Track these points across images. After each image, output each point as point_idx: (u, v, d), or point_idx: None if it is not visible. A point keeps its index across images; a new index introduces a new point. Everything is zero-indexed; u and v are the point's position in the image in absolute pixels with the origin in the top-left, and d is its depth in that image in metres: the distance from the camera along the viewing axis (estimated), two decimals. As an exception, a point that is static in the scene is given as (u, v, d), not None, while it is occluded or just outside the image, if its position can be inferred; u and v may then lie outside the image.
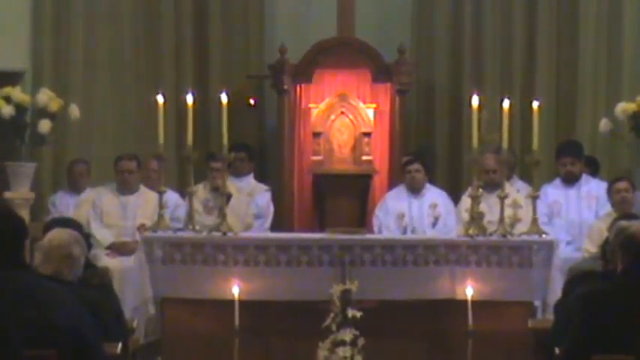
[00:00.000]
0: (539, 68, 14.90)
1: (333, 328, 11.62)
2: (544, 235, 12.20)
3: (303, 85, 14.29)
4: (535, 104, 12.60)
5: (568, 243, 12.72)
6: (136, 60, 14.99)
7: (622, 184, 12.96)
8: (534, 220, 12.27)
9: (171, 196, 12.97)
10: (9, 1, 14.70)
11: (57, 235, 7.92)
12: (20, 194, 13.46)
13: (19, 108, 13.61)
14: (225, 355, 11.57)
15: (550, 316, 9.92)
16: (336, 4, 14.28)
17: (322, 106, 14.19)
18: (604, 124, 13.64)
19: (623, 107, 13.52)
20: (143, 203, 13.22)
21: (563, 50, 14.96)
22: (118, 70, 14.96)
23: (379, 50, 14.30)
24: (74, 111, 13.79)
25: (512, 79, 14.74)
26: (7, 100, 13.56)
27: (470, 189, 12.63)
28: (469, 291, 11.69)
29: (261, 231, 13.36)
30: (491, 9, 15.02)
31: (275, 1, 15.31)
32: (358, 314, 11.60)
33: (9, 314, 6.45)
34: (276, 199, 14.12)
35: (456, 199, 13.47)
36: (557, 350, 8.01)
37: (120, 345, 8.30)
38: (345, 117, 14.18)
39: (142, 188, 13.43)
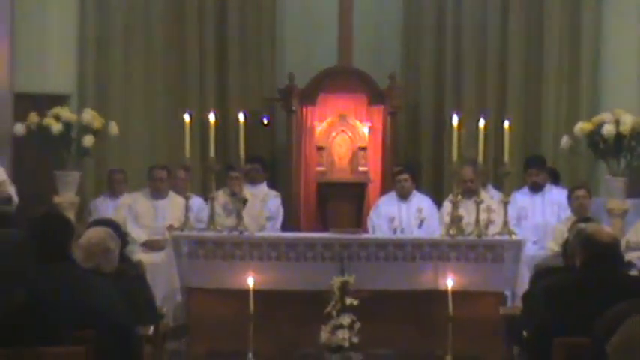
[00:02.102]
0: (510, 92, 14.88)
1: (334, 313, 11.63)
2: (513, 236, 12.23)
3: (308, 107, 14.28)
4: (506, 124, 12.62)
5: (534, 242, 12.71)
6: (166, 84, 14.98)
7: (580, 192, 12.95)
8: (505, 223, 12.30)
9: (196, 201, 12.97)
10: (57, 35, 14.69)
11: (94, 233, 7.94)
12: (67, 199, 13.45)
13: (67, 125, 13.60)
14: (241, 337, 11.59)
15: (519, 304, 9.90)
16: (336, 36, 14.28)
17: (325, 124, 14.19)
18: (564, 141, 13.61)
19: (581, 127, 13.50)
20: (172, 207, 13.20)
21: (530, 77, 14.95)
22: (151, 93, 14.95)
23: (373, 77, 14.30)
24: (113, 128, 13.79)
25: (487, 102, 14.72)
26: (57, 118, 13.56)
27: (450, 196, 12.70)
28: (449, 282, 11.71)
29: (273, 231, 13.35)
30: (468, 41, 14.99)
31: (284, 34, 15.31)
32: (355, 302, 11.62)
33: (57, 300, 6.46)
34: (286, 204, 14.12)
35: (438, 204, 13.46)
36: (525, 333, 8.01)
37: (152, 327, 8.31)
38: (345, 134, 14.19)
39: (171, 194, 13.42)
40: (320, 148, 14.13)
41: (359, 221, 13.42)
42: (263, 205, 13.74)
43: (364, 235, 12.69)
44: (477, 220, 12.24)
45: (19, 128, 13.71)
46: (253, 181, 13.71)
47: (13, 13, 14.23)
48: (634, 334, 5.60)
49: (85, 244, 7.61)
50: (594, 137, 13.50)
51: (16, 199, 12.25)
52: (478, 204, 12.35)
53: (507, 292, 11.81)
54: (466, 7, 15.01)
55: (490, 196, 13.00)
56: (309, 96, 14.28)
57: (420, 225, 13.29)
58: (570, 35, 14.87)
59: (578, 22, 14.82)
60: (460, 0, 15.03)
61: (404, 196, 13.50)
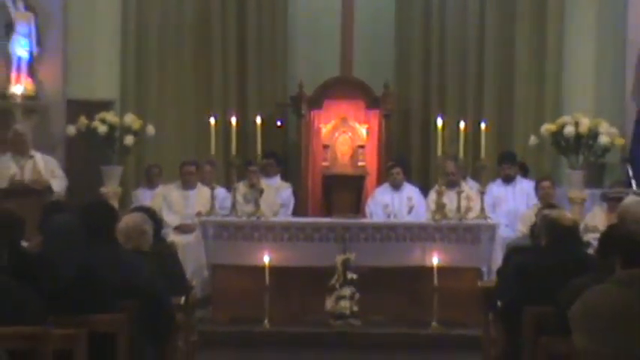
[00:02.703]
0: (486, 98, 14.82)
1: (337, 286, 11.65)
2: (489, 220, 12.29)
3: (315, 111, 14.25)
4: (482, 125, 12.66)
5: (506, 226, 12.68)
6: (194, 92, 14.94)
7: (546, 183, 12.95)
8: (482, 209, 12.34)
9: (220, 191, 12.96)
10: (103, 49, 14.67)
11: (131, 218, 7.96)
12: (111, 189, 13.45)
13: (111, 127, 13.59)
14: (258, 306, 11.59)
15: (493, 278, 9.90)
16: (339, 50, 14.26)
17: (329, 126, 14.14)
18: (532, 139, 13.59)
19: (546, 127, 13.48)
20: (200, 196, 13.19)
21: (504, 84, 14.89)
22: (181, 99, 14.92)
23: (370, 85, 14.27)
24: (150, 129, 13.77)
25: (466, 106, 14.67)
26: (103, 121, 13.55)
27: (436, 186, 12.70)
28: (435, 260, 11.71)
29: (285, 216, 13.33)
30: (450, 53, 14.94)
31: (295, 48, 15.23)
32: (355, 276, 11.64)
33: (104, 275, 6.49)
34: (296, 193, 14.09)
35: (425, 193, 13.43)
36: (499, 303, 8.02)
37: (183, 298, 8.33)
38: (346, 134, 14.13)
39: (199, 185, 13.41)
40: (325, 146, 14.10)
41: (358, 208, 13.39)
42: (277, 194, 13.73)
43: (362, 220, 12.73)
44: (458, 207, 12.28)
45: (71, 130, 13.71)
46: (268, 174, 13.70)
47: (66, 30, 14.25)
48: (590, 303, 5.62)
49: (123, 228, 7.62)
50: (557, 137, 13.49)
51: (57, 189, 12.26)
52: (459, 193, 12.40)
53: (484, 268, 11.80)
54: (449, 23, 14.95)
55: (469, 187, 12.99)
56: (316, 102, 14.27)
57: (410, 211, 13.27)
58: (538, 48, 14.82)
59: (544, 37, 14.76)
60: (444, 18, 14.96)
61: (396, 187, 13.50)
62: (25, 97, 13.77)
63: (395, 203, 13.37)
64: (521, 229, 11.97)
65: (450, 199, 12.42)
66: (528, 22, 14.84)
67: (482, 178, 12.65)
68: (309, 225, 12.35)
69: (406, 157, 14.67)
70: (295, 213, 13.69)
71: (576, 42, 14.76)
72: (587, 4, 14.74)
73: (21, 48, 13.75)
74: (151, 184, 13.85)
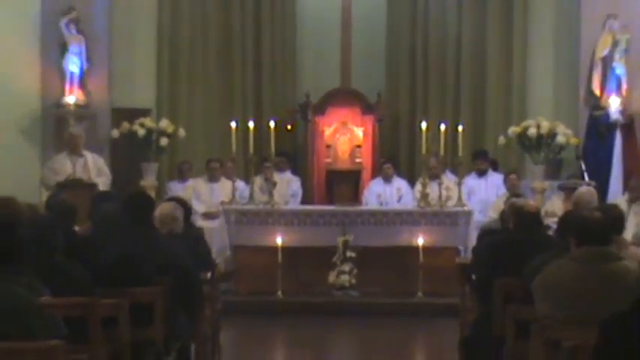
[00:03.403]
0: (462, 104, 14.78)
1: (338, 263, 11.67)
2: (465, 207, 12.33)
3: (319, 116, 14.23)
4: (459, 127, 12.68)
5: (479, 212, 12.65)
6: (219, 100, 14.90)
7: (513, 176, 12.97)
8: (459, 198, 12.38)
9: (240, 184, 12.97)
10: (141, 65, 14.66)
11: (164, 206, 7.96)
12: (149, 182, 13.46)
13: (149, 131, 13.61)
14: (272, 280, 11.63)
15: (469, 256, 9.90)
16: (339, 65, 14.25)
17: (331, 129, 14.16)
18: (501, 139, 13.59)
19: (512, 129, 13.49)
20: (223, 188, 13.20)
21: (477, 92, 14.85)
22: (207, 107, 14.89)
23: (365, 94, 14.25)
24: (181, 132, 13.78)
25: (446, 112, 14.63)
26: (142, 125, 13.57)
27: (420, 179, 12.72)
28: (420, 240, 11.74)
29: (295, 204, 13.32)
30: (433, 67, 14.88)
31: (302, 63, 15.16)
32: (353, 254, 11.67)
33: (143, 254, 6.49)
34: (304, 185, 14.06)
35: (412, 184, 13.41)
36: (473, 276, 8.01)
37: (209, 273, 8.32)
38: (345, 135, 14.16)
39: (223, 179, 13.42)
40: (328, 146, 14.12)
41: (356, 197, 13.38)
42: (288, 186, 13.72)
43: (359, 207, 12.71)
44: (439, 196, 12.32)
45: (115, 133, 13.73)
46: (281, 169, 13.68)
47: (110, 49, 14.25)
48: (550, 276, 5.62)
49: (159, 215, 7.61)
50: (522, 137, 13.49)
51: (102, 187, 12.26)
52: (440, 185, 12.43)
53: (461, 247, 11.80)
54: (431, 41, 14.87)
55: (448, 179, 12.96)
56: (320, 108, 14.25)
57: (399, 200, 13.28)
58: (506, 62, 14.76)
59: (511, 53, 14.71)
60: (427, 37, 14.87)
61: (387, 179, 13.50)
62: (77, 105, 13.77)
63: (386, 193, 13.38)
64: (492, 214, 11.95)
65: (432, 189, 12.43)
66: (498, 40, 14.80)
67: (459, 171, 12.65)
68: (314, 212, 12.40)
69: (396, 154, 14.65)
70: (303, 202, 13.68)
71: (538, 57, 14.72)
72: (547, 25, 14.68)
73: (73, 64, 13.78)
74: (182, 178, 13.84)
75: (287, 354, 10.17)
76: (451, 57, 14.92)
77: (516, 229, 7.27)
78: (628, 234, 9.25)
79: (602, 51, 13.64)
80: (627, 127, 13.50)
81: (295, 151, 14.68)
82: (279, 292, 11.61)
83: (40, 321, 4.45)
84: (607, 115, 13.46)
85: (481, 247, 8.25)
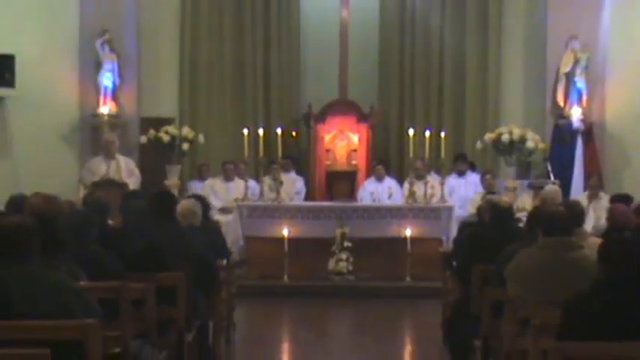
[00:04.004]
0: (445, 113, 14.79)
1: (336, 251, 11.68)
2: (447, 203, 12.30)
3: (320, 124, 14.23)
4: (442, 134, 12.68)
5: (459, 207, 12.66)
6: (232, 111, 14.92)
7: (488, 176, 12.95)
8: (442, 195, 12.38)
9: (252, 183, 12.94)
10: (165, 79, 14.70)
11: (185, 203, 7.98)
12: (173, 182, 13.46)
13: (172, 137, 13.61)
14: (279, 266, 11.61)
15: (450, 245, 9.91)
16: (337, 78, 14.25)
17: (330, 135, 14.16)
18: (478, 144, 13.58)
19: (488, 136, 13.49)
20: (237, 186, 13.19)
21: (458, 103, 14.87)
22: (223, 116, 14.90)
23: (360, 105, 14.26)
24: (200, 138, 13.79)
25: (430, 120, 14.63)
26: (166, 132, 13.58)
27: (408, 178, 12.73)
28: (408, 232, 11.73)
29: (299, 201, 13.32)
30: (419, 81, 14.89)
31: (305, 76, 15.16)
32: (349, 244, 11.67)
33: (166, 245, 6.49)
34: (307, 184, 14.08)
35: (401, 183, 13.40)
36: (454, 263, 8.03)
37: (225, 261, 8.34)
38: (343, 141, 14.16)
39: (237, 179, 13.41)
40: (327, 150, 14.12)
41: (352, 195, 13.40)
42: (293, 185, 13.73)
43: (355, 204, 12.72)
44: (425, 194, 12.30)
45: (143, 139, 13.73)
46: (287, 170, 13.69)
47: (139, 67, 14.27)
48: (520, 262, 5.62)
49: (180, 210, 7.63)
50: (496, 142, 13.49)
51: (132, 186, 12.26)
52: (425, 184, 12.45)
53: (443, 238, 11.78)
54: (417, 60, 14.87)
55: (433, 179, 12.95)
56: (321, 117, 14.25)
57: (390, 197, 13.26)
58: (482, 78, 14.77)
59: (487, 70, 14.70)
60: (413, 56, 14.90)
61: (379, 179, 13.48)
62: (110, 115, 13.79)
63: (378, 191, 13.37)
64: (471, 209, 11.97)
65: (418, 188, 12.44)
66: (475, 58, 14.81)
67: (442, 172, 12.67)
68: (316, 207, 12.37)
69: (386, 157, 14.65)
70: (306, 198, 13.68)
71: (510, 73, 14.75)
72: (518, 45, 14.72)
73: (107, 80, 13.80)
74: (201, 178, 13.86)
75: (292, 330, 10.18)
76: (435, 73, 14.93)
77: (491, 222, 7.29)
78: (588, 226, 9.29)
79: (565, 67, 13.67)
80: (587, 133, 13.54)
81: (299, 155, 14.69)
82: (285, 277, 11.61)
83: (78, 302, 4.46)
84: (570, 124, 13.49)
85: (461, 237, 8.26)
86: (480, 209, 8.33)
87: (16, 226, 4.41)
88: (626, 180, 13.36)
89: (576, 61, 13.61)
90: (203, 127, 14.48)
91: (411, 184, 12.45)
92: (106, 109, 13.78)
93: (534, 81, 14.38)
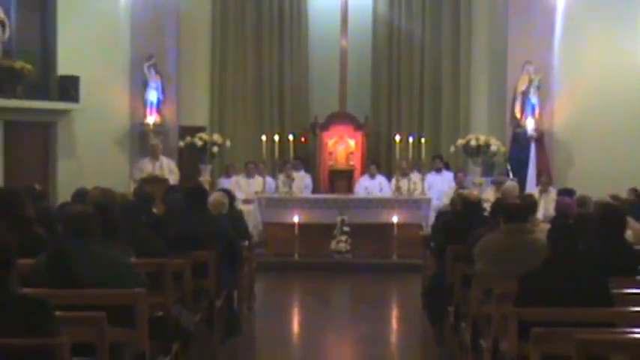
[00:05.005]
0: (425, 123, 14.74)
1: (337, 234, 11.65)
2: (426, 196, 12.25)
3: (325, 132, 14.21)
4: (423, 139, 12.63)
5: (437, 200, 12.64)
6: (253, 121, 14.88)
7: (460, 174, 12.92)
8: (422, 189, 12.31)
9: (269, 179, 12.91)
10: (199, 92, 14.69)
11: (215, 195, 7.99)
12: (205, 178, 13.43)
13: (204, 142, 13.61)
14: (291, 246, 11.60)
15: (429, 229, 9.90)
16: (337, 93, 14.23)
17: (333, 141, 14.15)
18: (452, 148, 13.58)
19: (459, 141, 13.49)
20: (257, 182, 13.18)
21: (435, 115, 14.81)
22: (246, 124, 14.85)
23: (356, 116, 14.25)
24: (227, 143, 13.80)
25: (413, 127, 14.55)
26: (200, 138, 13.58)
27: (395, 176, 12.68)
28: (395, 219, 11.70)
29: (307, 194, 13.29)
30: (403, 96, 14.82)
31: (312, 92, 15.09)
32: (348, 229, 11.64)
33: (200, 229, 6.49)
34: (313, 181, 14.04)
35: (389, 180, 13.34)
36: (432, 244, 8.02)
37: (247, 242, 8.35)
38: (342, 145, 14.16)
39: (256, 176, 13.37)
40: (330, 153, 14.09)
41: (350, 189, 13.38)
42: (302, 181, 13.68)
43: (352, 196, 12.70)
44: (408, 188, 12.28)
45: (181, 143, 13.73)
46: (297, 169, 13.64)
47: (178, 85, 14.27)
48: (486, 244, 5.62)
49: (211, 201, 7.63)
50: (466, 147, 13.47)
51: (172, 182, 12.26)
52: (409, 180, 12.41)
53: (423, 224, 11.74)
54: (403, 77, 14.77)
55: (415, 176, 12.92)
56: (325, 126, 14.23)
57: (380, 190, 13.25)
58: (454, 94, 14.71)
59: (458, 87, 14.63)
60: (400, 74, 14.77)
61: (372, 176, 13.46)
62: (155, 124, 13.77)
63: (371, 186, 13.35)
64: (445, 201, 11.92)
65: (403, 183, 12.42)
66: (450, 79, 14.75)
67: (422, 171, 12.62)
68: (320, 199, 12.34)
69: (378, 159, 14.61)
70: (313, 192, 13.63)
71: (477, 91, 14.72)
72: (484, 68, 14.63)
73: (152, 96, 13.79)
74: (228, 175, 13.83)
75: (301, 298, 10.18)
76: (417, 91, 14.90)
77: (462, 211, 7.29)
78: (539, 215, 9.27)
79: (522, 87, 13.65)
80: (539, 140, 13.52)
81: (307, 156, 14.66)
82: (296, 255, 11.61)
83: (129, 275, 4.47)
84: (525, 132, 13.46)
85: (437, 224, 8.26)
86: (452, 201, 8.32)
87: (80, 213, 4.43)
88: (570, 177, 13.34)
89: (530, 82, 13.60)
90: (229, 133, 14.46)
91: (398, 180, 12.43)
92: (151, 119, 13.77)
93: (497, 98, 14.36)
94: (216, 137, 13.79)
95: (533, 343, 3.86)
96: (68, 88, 12.83)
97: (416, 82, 14.89)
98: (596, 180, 11.98)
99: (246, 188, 13.37)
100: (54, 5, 12.72)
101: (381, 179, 13.51)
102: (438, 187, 13.24)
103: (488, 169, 13.67)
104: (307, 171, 14.20)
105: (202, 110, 14.78)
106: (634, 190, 10.28)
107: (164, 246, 5.71)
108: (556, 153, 13.76)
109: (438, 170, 13.59)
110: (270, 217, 12.08)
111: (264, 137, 12.56)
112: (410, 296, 9.38)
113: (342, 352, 7.42)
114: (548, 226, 5.35)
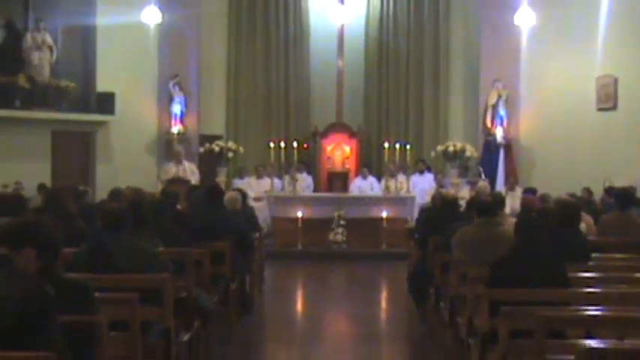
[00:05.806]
0: (410, 131, 14.70)
1: (334, 227, 11.62)
2: (411, 194, 12.23)
3: (324, 139, 14.19)
4: (408, 146, 12.63)
5: (420, 197, 12.61)
6: (263, 129, 14.81)
7: (439, 175, 12.94)
8: (408, 188, 12.29)
9: (276, 180, 12.91)
10: (216, 109, 14.67)
11: (230, 194, 7.96)
12: (221, 179, 13.38)
13: (221, 148, 13.62)
14: (295, 237, 11.58)
15: (413, 223, 9.90)
16: (334, 104, 14.21)
17: (331, 147, 14.14)
18: (433, 153, 13.60)
19: (439, 147, 13.52)
20: (266, 182, 13.16)
21: (417, 125, 14.78)
22: (255, 132, 14.80)
23: (351, 125, 14.23)
24: (240, 149, 13.80)
25: (400, 136, 14.45)
26: (217, 145, 13.59)
27: (384, 177, 12.68)
28: (384, 214, 11.69)
29: (308, 193, 13.27)
30: (391, 106, 14.78)
31: (314, 104, 15.09)
32: (344, 222, 11.63)
33: (217, 223, 6.50)
34: (314, 181, 14.01)
35: (379, 180, 13.34)
36: (416, 236, 8.02)
37: (257, 234, 8.34)
38: (339, 151, 14.16)
39: (265, 177, 13.31)
40: (328, 157, 14.10)
41: (345, 188, 13.36)
42: (305, 182, 13.67)
43: (347, 194, 12.66)
44: (396, 187, 12.26)
45: (201, 149, 13.71)
46: (300, 171, 13.61)
47: (199, 100, 14.26)
48: (462, 235, 5.62)
49: (227, 198, 7.61)
50: (445, 152, 13.49)
51: (193, 182, 12.25)
52: (396, 180, 12.37)
53: (408, 218, 11.73)
54: (390, 91, 14.74)
55: (402, 177, 12.90)
56: (325, 135, 14.21)
57: (371, 190, 13.22)
58: (435, 107, 14.70)
59: (438, 99, 14.63)
60: (388, 88, 14.73)
61: (364, 177, 13.42)
62: (179, 133, 13.78)
63: (364, 186, 13.32)
64: (427, 198, 11.93)
65: (391, 183, 12.41)
66: (431, 95, 14.72)
67: (407, 172, 12.61)
68: (320, 197, 12.35)
69: (369, 162, 14.59)
70: (314, 191, 13.60)
71: (454, 105, 14.69)
72: (459, 85, 14.60)
73: (177, 109, 13.83)
74: (241, 176, 13.80)
75: (304, 283, 10.17)
76: (403, 103, 14.87)
77: (441, 207, 7.30)
78: (507, 210, 9.27)
79: (492, 101, 13.68)
80: (507, 146, 13.55)
81: (309, 160, 14.64)
82: (300, 245, 11.60)
83: (156, 262, 4.48)
84: (495, 139, 13.49)
85: (420, 218, 8.27)
86: (433, 198, 8.34)
87: (115, 209, 4.45)
88: (533, 178, 13.32)
89: (499, 97, 13.63)
90: (242, 141, 14.44)
91: (386, 181, 12.43)
92: (176, 129, 13.78)
93: (471, 110, 14.36)
94: (231, 144, 13.79)
95: (502, 320, 3.88)
96: (105, 103, 13.00)
97: (402, 97, 14.88)
98: (555, 180, 11.99)
99: (256, 188, 13.35)
100: (94, 32, 12.98)
101: (372, 180, 13.50)
102: (421, 187, 13.23)
103: (463, 171, 13.67)
104: (309, 173, 14.18)
105: (219, 121, 14.75)
106: (587, 190, 10.39)
107: (187, 237, 5.72)
108: (521, 157, 13.79)
109: (421, 172, 13.58)
110: (277, 213, 12.07)
111: (271, 144, 12.55)
112: (397, 280, 9.37)
113: (338, 328, 7.43)
114: (514, 219, 5.36)
